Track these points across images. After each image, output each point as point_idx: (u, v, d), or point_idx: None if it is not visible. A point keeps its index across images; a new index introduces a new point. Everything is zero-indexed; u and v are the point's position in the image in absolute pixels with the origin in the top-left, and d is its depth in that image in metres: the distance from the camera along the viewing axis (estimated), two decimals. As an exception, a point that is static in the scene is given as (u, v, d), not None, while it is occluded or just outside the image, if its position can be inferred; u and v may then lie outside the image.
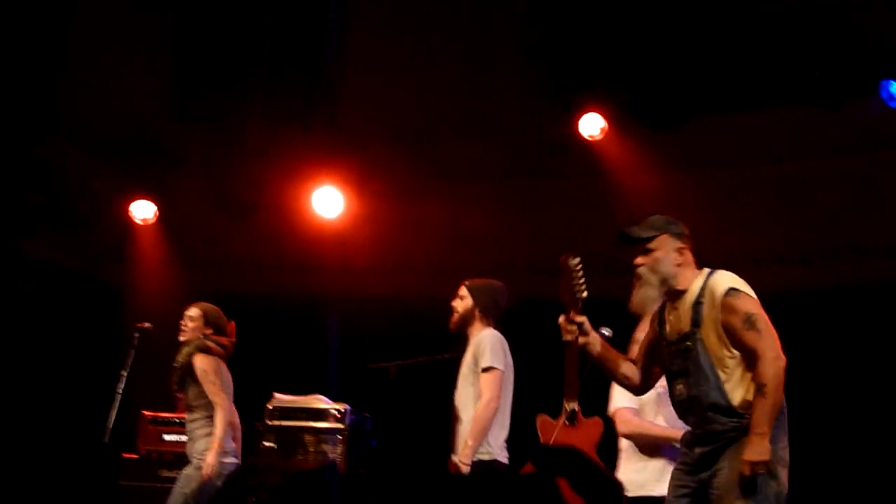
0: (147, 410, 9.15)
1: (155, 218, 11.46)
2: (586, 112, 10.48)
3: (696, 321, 5.22)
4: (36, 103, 11.30)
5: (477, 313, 7.52)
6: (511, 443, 7.46)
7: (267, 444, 8.91)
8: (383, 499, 9.16)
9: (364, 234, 11.35)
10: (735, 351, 5.12)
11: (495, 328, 7.47)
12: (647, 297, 5.39)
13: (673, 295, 5.35)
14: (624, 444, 6.59)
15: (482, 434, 6.97)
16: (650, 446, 6.44)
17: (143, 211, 11.42)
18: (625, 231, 5.55)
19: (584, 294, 5.58)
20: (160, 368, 8.27)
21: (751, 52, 10.40)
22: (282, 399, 9.02)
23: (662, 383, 6.22)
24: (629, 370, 5.66)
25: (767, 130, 10.57)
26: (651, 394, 6.38)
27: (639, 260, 5.43)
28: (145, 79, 12.21)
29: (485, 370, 7.14)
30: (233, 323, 8.11)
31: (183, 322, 7.93)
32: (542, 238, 11.53)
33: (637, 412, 6.50)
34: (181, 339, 7.89)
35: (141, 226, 11.52)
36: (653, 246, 5.40)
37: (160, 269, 11.68)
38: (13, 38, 11.22)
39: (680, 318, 5.32)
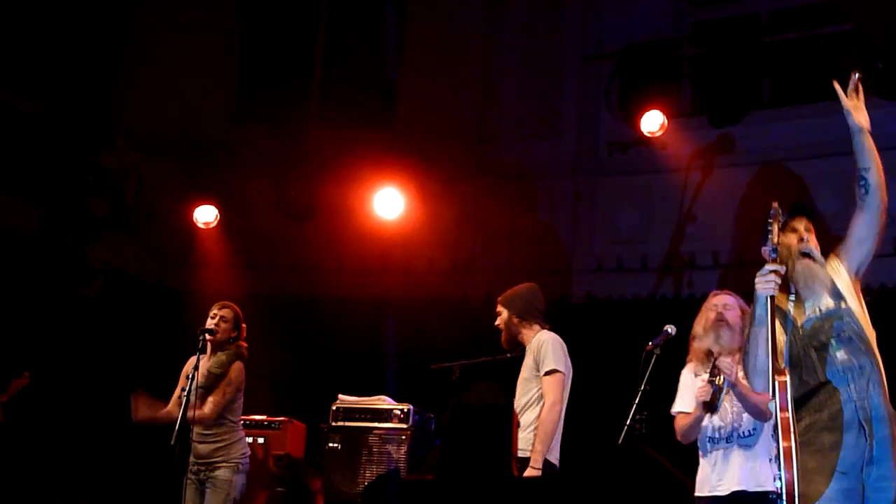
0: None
1: (217, 222, 11.53)
2: (647, 109, 10.42)
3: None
4: (98, 110, 11.43)
5: (517, 321, 7.44)
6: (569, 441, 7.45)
7: (331, 444, 8.95)
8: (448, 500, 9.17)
9: (425, 235, 11.35)
10: None
11: (546, 328, 7.40)
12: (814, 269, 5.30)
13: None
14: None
15: (549, 438, 6.91)
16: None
17: (205, 215, 11.49)
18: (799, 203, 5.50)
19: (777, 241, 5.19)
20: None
21: (810, 44, 10.31)
22: (346, 400, 9.06)
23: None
24: None
25: (828, 123, 10.46)
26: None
27: (805, 233, 5.35)
28: (206, 83, 12.30)
29: (547, 373, 7.08)
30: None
31: (216, 322, 7.88)
32: (602, 236, 11.50)
33: (687, 416, 6.44)
34: (216, 338, 7.82)
35: (203, 229, 11.58)
36: (812, 227, 5.42)
37: (223, 273, 11.75)
38: (74, 45, 11.36)
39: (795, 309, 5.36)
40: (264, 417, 9.32)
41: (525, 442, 6.97)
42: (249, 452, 7.94)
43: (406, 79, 12.44)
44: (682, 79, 10.78)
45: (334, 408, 9.16)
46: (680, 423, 6.44)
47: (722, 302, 6.46)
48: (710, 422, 6.31)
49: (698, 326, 6.51)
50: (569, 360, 7.29)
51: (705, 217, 10.70)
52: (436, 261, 11.78)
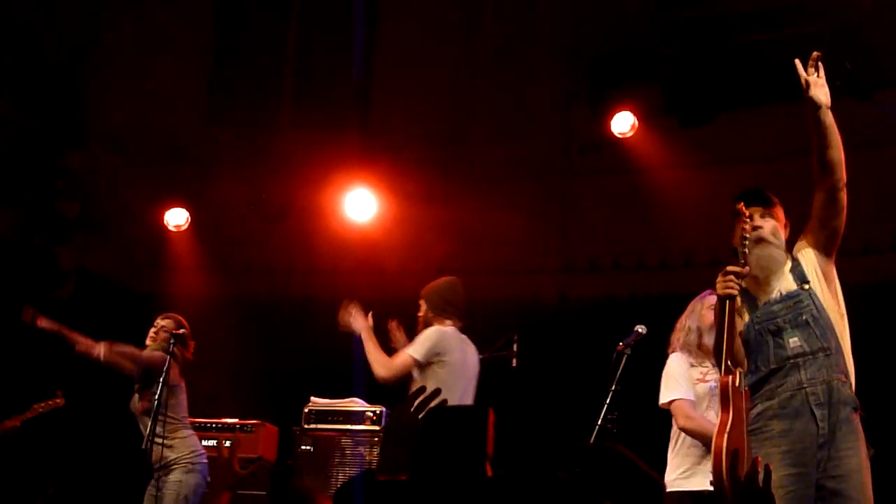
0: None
1: (188, 224, 11.50)
2: (617, 110, 10.46)
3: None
4: (68, 112, 11.38)
5: (431, 315, 7.55)
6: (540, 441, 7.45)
7: (304, 447, 8.94)
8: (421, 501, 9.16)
9: (396, 236, 11.34)
10: None
11: (458, 326, 7.54)
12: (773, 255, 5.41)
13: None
14: (676, 434, 6.53)
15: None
16: (705, 443, 6.41)
17: (176, 218, 11.46)
18: (757, 189, 5.63)
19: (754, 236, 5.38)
20: (194, 374, 8.30)
21: (779, 45, 10.35)
22: (318, 402, 9.05)
23: (715, 377, 6.21)
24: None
25: (798, 124, 10.50)
26: (704, 387, 6.38)
27: (759, 220, 5.46)
28: (177, 86, 12.25)
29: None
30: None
31: (157, 331, 7.98)
32: (575, 237, 11.53)
33: (694, 405, 6.45)
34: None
35: (174, 232, 11.55)
36: (774, 212, 5.56)
37: (194, 275, 11.72)
38: (43, 46, 11.31)
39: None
40: (236, 420, 9.30)
41: None
42: (203, 451, 7.87)
43: (378, 80, 12.43)
44: (654, 80, 10.81)
45: (306, 410, 9.15)
46: (694, 415, 6.39)
47: (710, 302, 6.50)
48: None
49: (691, 322, 6.54)
50: (456, 352, 7.39)
51: (677, 217, 10.73)
52: (408, 262, 11.75)
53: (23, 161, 11.02)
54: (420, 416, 3.81)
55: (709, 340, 6.37)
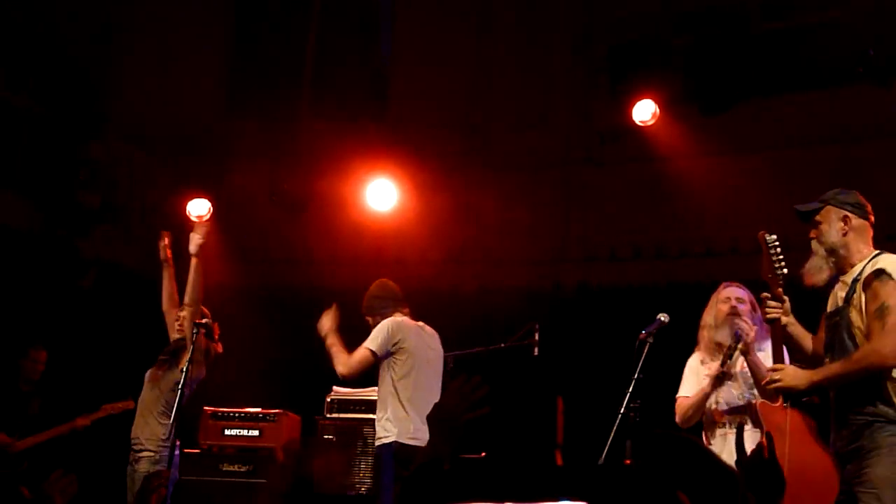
0: (207, 406, 9.21)
1: (210, 214, 11.51)
2: (636, 99, 10.44)
3: (848, 298, 5.29)
4: (88, 103, 11.41)
5: (371, 319, 7.80)
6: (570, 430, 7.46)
7: (326, 436, 8.99)
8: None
9: (417, 226, 11.36)
10: None
11: (404, 313, 7.78)
12: (813, 266, 5.47)
13: (842, 269, 5.42)
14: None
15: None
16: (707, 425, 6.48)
17: (198, 208, 11.46)
18: (795, 207, 5.63)
19: (785, 270, 5.63)
20: (219, 364, 8.32)
21: (801, 32, 10.33)
22: (340, 392, 9.09)
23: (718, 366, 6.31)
24: (817, 344, 5.60)
25: (820, 111, 10.48)
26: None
27: (811, 233, 5.52)
28: (197, 76, 12.28)
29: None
30: None
31: (180, 323, 7.99)
32: (595, 226, 11.52)
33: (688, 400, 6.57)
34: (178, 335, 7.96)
35: (196, 222, 11.56)
36: (819, 218, 5.49)
37: (215, 265, 11.73)
38: (64, 38, 11.33)
39: (838, 293, 5.40)
40: (259, 410, 9.33)
41: (381, 429, 7.37)
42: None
43: (398, 70, 12.43)
44: (674, 68, 10.78)
45: (329, 399, 9.20)
46: (682, 405, 6.50)
47: (735, 295, 6.53)
48: (717, 404, 6.37)
49: (709, 317, 6.59)
50: (408, 337, 7.57)
51: (697, 205, 10.72)
52: (428, 252, 11.78)
53: (44, 152, 11.07)
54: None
55: (720, 336, 6.40)
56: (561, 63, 11.73)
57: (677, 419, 6.54)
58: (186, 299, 7.77)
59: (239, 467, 8.92)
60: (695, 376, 6.55)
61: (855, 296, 5.24)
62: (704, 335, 6.63)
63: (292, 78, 12.64)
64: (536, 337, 8.53)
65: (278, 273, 11.98)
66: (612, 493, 3.67)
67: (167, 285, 8.18)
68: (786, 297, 5.60)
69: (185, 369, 7.41)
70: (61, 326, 10.63)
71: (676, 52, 10.75)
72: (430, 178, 11.39)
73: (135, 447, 7.69)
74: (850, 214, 5.44)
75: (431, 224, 11.43)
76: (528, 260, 11.56)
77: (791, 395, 5.45)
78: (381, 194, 11.17)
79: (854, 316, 5.23)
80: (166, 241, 8.22)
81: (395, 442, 7.26)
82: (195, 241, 7.83)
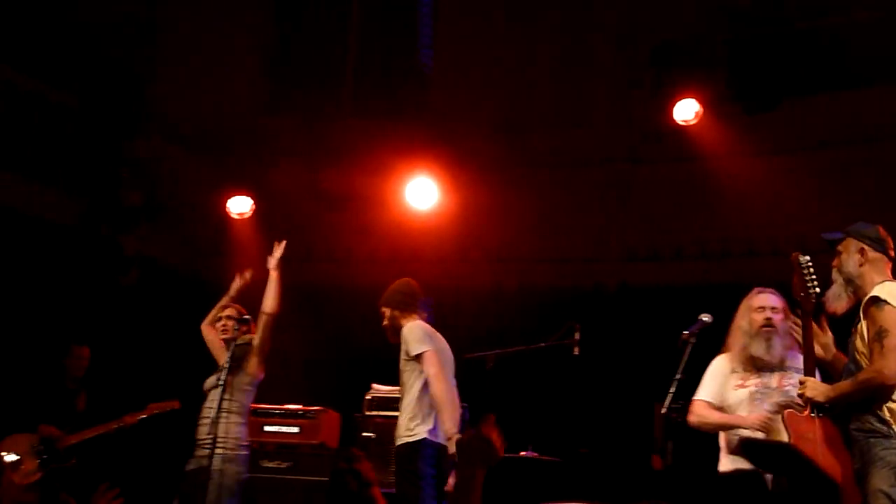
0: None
1: (251, 212, 11.56)
2: (679, 98, 10.38)
3: (855, 325, 5.55)
4: (131, 101, 11.48)
5: (398, 314, 7.69)
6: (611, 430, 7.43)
7: (365, 434, 8.99)
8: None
9: (458, 224, 11.35)
10: None
11: (423, 317, 7.68)
12: (832, 293, 5.74)
13: (859, 298, 5.62)
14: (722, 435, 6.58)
15: (449, 407, 7.23)
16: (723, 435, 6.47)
17: (239, 205, 11.52)
18: (822, 235, 5.89)
19: (817, 289, 5.89)
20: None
21: (846, 30, 10.25)
22: (380, 389, 9.10)
23: (755, 381, 6.27)
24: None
25: (865, 109, 10.40)
26: (743, 392, 6.38)
27: (833, 262, 5.77)
28: (238, 74, 12.34)
29: (417, 356, 7.36)
30: None
31: (223, 322, 8.02)
32: (636, 225, 11.48)
33: (710, 405, 6.52)
34: (228, 336, 7.97)
35: (237, 220, 11.61)
36: (840, 248, 5.73)
37: (256, 263, 11.77)
38: (107, 36, 11.41)
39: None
40: (299, 407, 9.36)
41: (403, 428, 7.31)
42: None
43: (438, 68, 12.43)
44: (717, 67, 10.72)
45: (368, 397, 9.21)
46: (702, 412, 6.47)
47: (769, 304, 6.50)
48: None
49: (743, 321, 6.54)
50: (437, 339, 7.51)
51: (739, 205, 10.65)
52: (468, 250, 11.78)
53: (88, 150, 11.15)
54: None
55: (754, 348, 6.40)
56: (603, 61, 11.69)
57: (693, 421, 6.49)
58: (267, 308, 7.87)
59: (279, 464, 8.94)
60: (719, 381, 6.50)
61: (860, 324, 5.49)
62: (737, 342, 6.57)
63: (333, 76, 12.68)
64: (577, 336, 8.48)
65: (318, 271, 11.99)
66: (706, 499, 3.67)
67: (216, 311, 8.24)
68: (828, 331, 5.89)
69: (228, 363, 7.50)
70: (104, 324, 10.70)
71: (719, 50, 10.71)
72: (470, 176, 11.38)
73: (205, 447, 7.67)
74: (867, 247, 5.68)
75: (471, 223, 11.43)
76: (568, 259, 11.53)
77: (816, 406, 5.67)
78: (421, 192, 11.17)
79: (858, 342, 5.48)
80: (244, 280, 8.32)
81: (425, 440, 7.27)
82: (275, 256, 7.98)
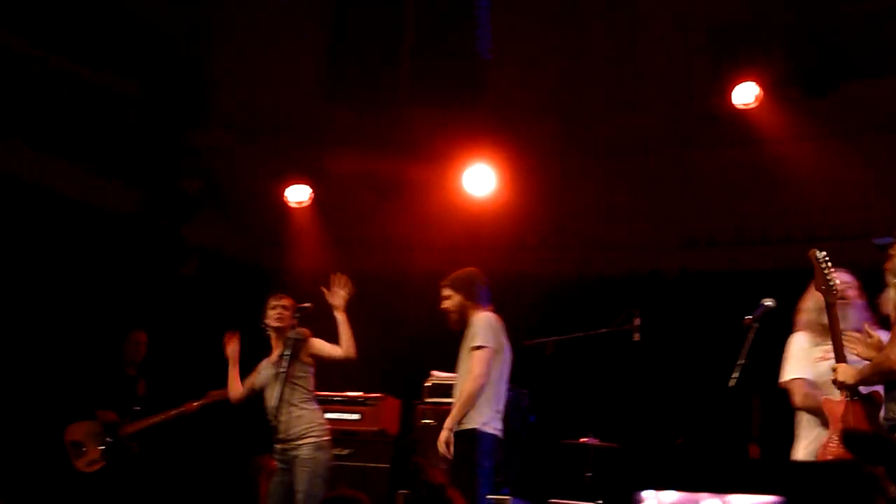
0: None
1: (309, 200, 11.61)
2: (737, 81, 10.30)
3: None
4: (191, 91, 11.55)
5: (469, 303, 7.70)
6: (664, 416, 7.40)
7: (425, 420, 9.02)
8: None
9: (515, 211, 11.34)
10: None
11: (489, 309, 7.70)
12: (885, 297, 5.92)
13: None
14: (804, 415, 6.52)
15: (466, 406, 7.35)
16: (822, 418, 6.38)
17: (297, 194, 11.58)
18: (872, 241, 6.00)
19: (837, 282, 6.10)
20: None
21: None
22: (439, 376, 9.11)
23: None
24: None
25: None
26: (825, 365, 6.35)
27: (886, 265, 5.86)
28: (296, 63, 12.36)
29: (473, 349, 7.42)
30: None
31: (278, 312, 8.02)
32: (694, 211, 11.40)
33: (813, 384, 6.44)
34: (283, 325, 7.98)
35: (295, 209, 11.68)
36: (893, 251, 5.80)
37: (314, 251, 11.84)
38: (167, 26, 11.49)
39: None
40: (360, 394, 9.40)
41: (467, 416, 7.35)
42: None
43: (495, 54, 12.39)
44: (777, 49, 10.61)
45: (427, 384, 9.23)
46: (807, 391, 6.44)
47: (842, 280, 6.44)
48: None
49: (810, 302, 6.51)
50: (502, 337, 7.58)
51: (800, 189, 10.55)
52: (526, 237, 11.77)
53: (148, 140, 11.24)
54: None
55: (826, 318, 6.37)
56: (660, 45, 11.58)
57: (800, 402, 6.43)
58: (341, 354, 7.85)
59: (339, 451, 8.99)
60: (805, 357, 6.47)
61: None
62: (807, 318, 6.55)
63: (390, 64, 12.67)
64: (637, 322, 8.48)
65: (376, 259, 12.03)
66: (807, 490, 3.65)
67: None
68: (874, 333, 5.96)
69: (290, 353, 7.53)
70: (164, 313, 10.80)
71: (779, 32, 10.58)
72: (527, 163, 11.35)
73: (290, 439, 7.70)
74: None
75: (529, 209, 11.41)
76: (626, 245, 11.49)
77: (849, 389, 5.84)
78: (478, 180, 11.18)
79: None
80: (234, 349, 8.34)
81: (477, 430, 7.30)
82: (341, 296, 7.92)
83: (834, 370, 5.84)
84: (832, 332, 5.96)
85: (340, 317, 7.90)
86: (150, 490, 9.63)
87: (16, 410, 9.43)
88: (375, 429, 9.33)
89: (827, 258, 6.10)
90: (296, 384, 7.75)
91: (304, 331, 7.93)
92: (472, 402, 7.32)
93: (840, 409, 5.86)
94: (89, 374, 9.51)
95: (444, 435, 7.38)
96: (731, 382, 6.22)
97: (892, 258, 5.75)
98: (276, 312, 8.02)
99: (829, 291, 6.06)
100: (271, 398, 7.76)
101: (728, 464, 3.81)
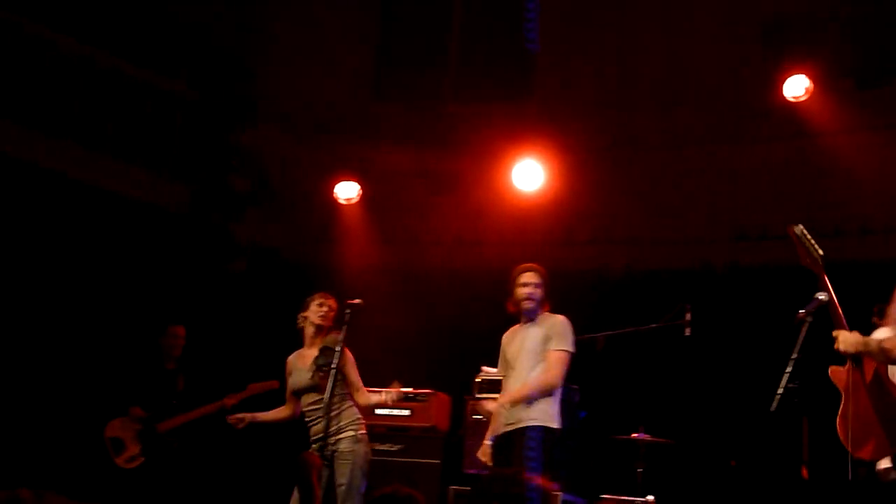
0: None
1: (358, 197, 11.64)
2: (789, 74, 10.22)
3: None
4: (240, 89, 11.62)
5: (546, 300, 7.64)
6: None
7: (476, 416, 9.00)
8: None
9: (564, 206, 11.32)
10: None
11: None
12: None
13: None
14: None
15: (534, 394, 7.32)
16: None
17: (346, 191, 11.61)
18: None
19: (821, 252, 6.10)
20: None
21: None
22: (489, 372, 9.09)
23: None
24: None
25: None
26: None
27: None
28: (344, 61, 12.41)
29: (559, 350, 7.36)
30: None
31: (326, 310, 7.95)
32: (745, 204, 11.33)
33: None
34: (327, 324, 7.92)
35: (344, 205, 11.70)
36: None
37: (364, 248, 11.86)
38: (217, 25, 11.56)
39: None
40: (410, 390, 9.39)
41: (525, 411, 7.29)
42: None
43: (543, 49, 12.37)
44: (828, 41, 10.53)
45: (478, 380, 9.22)
46: None
47: None
48: None
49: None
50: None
51: (852, 182, 10.46)
52: (575, 232, 11.73)
53: (199, 138, 11.31)
54: None
55: None
56: (710, 38, 11.52)
57: None
58: (361, 399, 7.76)
59: (390, 446, 9.00)
60: None
61: None
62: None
63: (438, 60, 12.70)
64: (688, 317, 8.43)
65: (425, 254, 12.04)
66: None
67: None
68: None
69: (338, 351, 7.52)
70: (212, 309, 10.86)
71: (831, 25, 10.50)
72: (576, 157, 11.33)
73: (329, 435, 7.70)
74: None
75: (578, 204, 11.38)
76: (677, 239, 11.42)
77: (851, 357, 5.86)
78: (527, 175, 11.15)
79: None
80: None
81: (549, 427, 7.29)
82: (391, 397, 7.85)
83: (835, 337, 5.84)
84: (829, 300, 5.99)
85: (378, 399, 7.83)
86: (191, 486, 9.65)
87: (58, 404, 9.52)
88: (426, 425, 9.32)
89: (805, 231, 6.15)
90: (335, 382, 7.77)
91: (348, 354, 7.85)
92: (540, 395, 7.30)
93: (847, 378, 5.92)
94: (129, 368, 9.51)
95: (494, 406, 7.37)
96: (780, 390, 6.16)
97: None
98: (322, 310, 7.93)
99: (815, 263, 6.11)
100: (307, 398, 7.75)
101: (782, 485, 3.80)
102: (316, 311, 7.89)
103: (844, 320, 5.93)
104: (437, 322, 11.05)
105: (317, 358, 7.75)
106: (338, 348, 7.69)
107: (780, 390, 6.08)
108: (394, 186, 11.88)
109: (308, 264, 12.18)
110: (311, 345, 7.89)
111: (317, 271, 11.90)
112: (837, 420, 6.02)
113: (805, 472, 6.32)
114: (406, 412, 9.28)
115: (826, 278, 6.02)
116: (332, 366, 7.62)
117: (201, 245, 11.25)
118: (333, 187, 11.61)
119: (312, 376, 7.71)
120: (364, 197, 11.66)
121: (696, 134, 11.50)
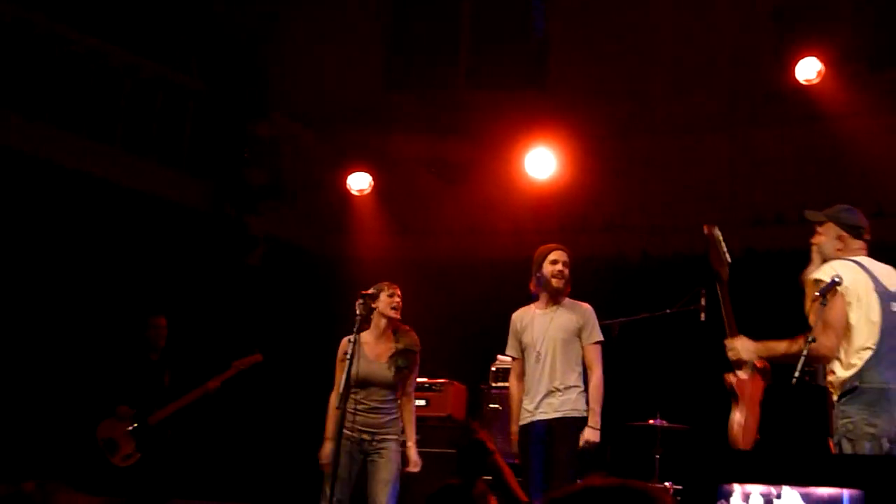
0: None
1: (371, 188, 11.64)
2: (801, 57, 10.18)
3: None
4: (252, 82, 11.62)
5: (568, 287, 7.71)
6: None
7: (492, 405, 9.01)
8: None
9: (578, 193, 11.30)
10: None
11: None
12: (809, 271, 6.07)
13: None
14: None
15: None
16: None
17: (359, 182, 11.61)
18: (804, 212, 6.26)
19: (729, 259, 6.39)
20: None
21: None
22: (505, 361, 9.09)
23: None
24: None
25: None
26: None
27: (812, 239, 6.13)
28: (356, 51, 12.42)
29: (596, 343, 7.55)
30: None
31: (399, 301, 7.82)
32: (760, 189, 11.29)
33: None
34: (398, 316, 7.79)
35: (358, 196, 11.71)
36: (821, 230, 6.07)
37: (378, 238, 11.87)
38: (228, 19, 11.56)
39: None
40: (425, 379, 9.41)
41: (572, 402, 7.40)
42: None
43: (556, 36, 12.35)
44: (841, 24, 10.48)
45: (493, 369, 9.23)
46: None
47: None
48: None
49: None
50: None
51: (865, 166, 10.42)
52: (589, 219, 11.71)
53: (211, 131, 11.31)
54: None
55: None
56: (724, 22, 11.48)
57: None
58: (407, 412, 7.76)
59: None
60: None
61: None
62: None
63: (450, 49, 12.69)
64: (703, 302, 8.41)
65: (439, 244, 12.03)
66: (887, 484, 3.62)
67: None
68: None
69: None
70: (230, 302, 10.87)
71: (844, 7, 10.45)
72: (590, 143, 11.31)
73: (377, 438, 7.65)
74: (846, 235, 5.98)
75: (592, 191, 11.36)
76: (691, 225, 11.37)
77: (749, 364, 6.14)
78: (540, 162, 11.14)
79: None
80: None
81: (583, 417, 7.33)
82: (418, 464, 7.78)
83: (728, 346, 6.09)
84: (724, 307, 6.23)
85: (409, 445, 7.74)
86: (191, 474, 9.63)
87: (50, 403, 9.49)
88: (442, 414, 9.34)
89: (720, 236, 6.35)
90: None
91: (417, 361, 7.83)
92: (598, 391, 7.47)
93: (745, 389, 6.21)
94: (114, 364, 9.44)
95: (594, 435, 7.42)
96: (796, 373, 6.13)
97: (819, 235, 6.03)
98: (394, 301, 7.74)
99: (723, 267, 6.35)
100: (371, 391, 7.65)
101: (807, 458, 3.78)
102: (388, 303, 7.72)
103: (736, 328, 6.18)
104: (451, 312, 11.05)
105: (397, 357, 7.68)
106: (400, 362, 7.62)
107: (797, 373, 6.08)
108: (407, 175, 11.88)
109: (322, 255, 12.20)
110: (381, 336, 7.76)
111: (331, 261, 11.93)
112: (731, 426, 6.32)
113: (832, 446, 6.30)
114: (422, 402, 9.29)
115: (727, 286, 6.30)
116: (402, 365, 7.57)
117: (218, 238, 11.25)
118: (347, 178, 11.61)
119: (394, 374, 7.63)
120: (377, 187, 11.66)
121: (710, 119, 11.47)
